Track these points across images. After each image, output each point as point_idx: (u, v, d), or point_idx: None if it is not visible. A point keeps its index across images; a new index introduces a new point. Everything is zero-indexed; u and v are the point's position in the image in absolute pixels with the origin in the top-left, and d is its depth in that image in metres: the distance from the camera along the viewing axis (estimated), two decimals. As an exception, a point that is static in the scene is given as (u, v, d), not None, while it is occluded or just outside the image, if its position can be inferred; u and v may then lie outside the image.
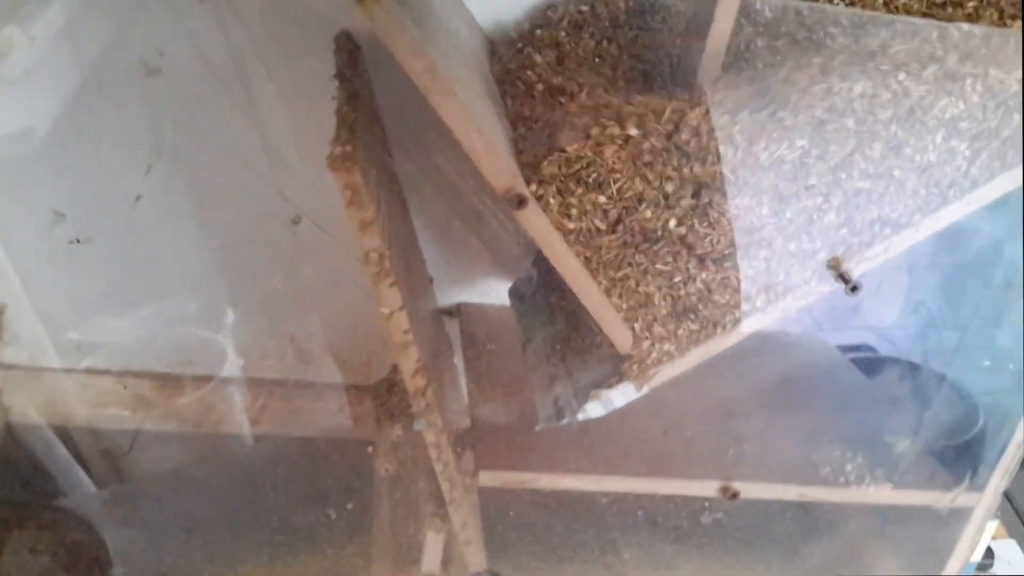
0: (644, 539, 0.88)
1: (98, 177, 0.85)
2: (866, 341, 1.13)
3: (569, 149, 0.64)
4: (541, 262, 0.85)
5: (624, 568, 0.87)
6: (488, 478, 0.77)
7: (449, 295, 0.97)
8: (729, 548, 0.89)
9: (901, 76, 0.62)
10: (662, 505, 0.89)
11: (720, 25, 0.66)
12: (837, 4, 0.73)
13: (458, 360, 0.92)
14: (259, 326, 0.94)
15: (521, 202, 0.65)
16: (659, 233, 0.67)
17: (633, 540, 0.88)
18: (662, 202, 0.66)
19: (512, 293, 0.90)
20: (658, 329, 0.70)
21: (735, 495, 0.79)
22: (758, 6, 0.71)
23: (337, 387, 0.97)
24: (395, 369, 0.97)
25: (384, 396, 0.96)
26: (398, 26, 0.58)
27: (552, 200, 0.65)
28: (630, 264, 0.68)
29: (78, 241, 0.85)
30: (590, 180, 0.65)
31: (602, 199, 0.66)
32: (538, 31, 0.77)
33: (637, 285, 0.69)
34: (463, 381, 0.90)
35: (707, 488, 0.79)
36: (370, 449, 0.85)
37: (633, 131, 0.63)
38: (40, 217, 0.87)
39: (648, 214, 0.66)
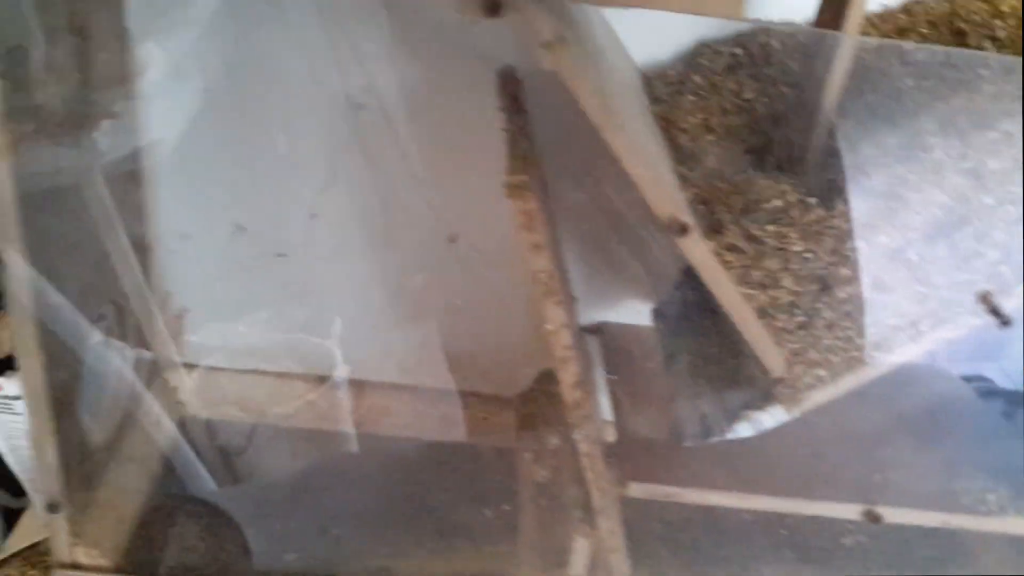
0: (785, 557, 0.91)
1: (277, 194, 0.93)
2: (981, 372, 1.12)
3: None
4: (687, 285, 0.88)
5: (764, 584, 0.90)
6: (637, 489, 0.81)
7: (591, 314, 1.01)
8: (868, 571, 0.91)
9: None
10: (805, 525, 0.92)
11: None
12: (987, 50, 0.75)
13: (599, 376, 0.96)
14: (414, 336, 1.01)
15: (683, 230, 0.69)
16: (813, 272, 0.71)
17: (774, 558, 0.90)
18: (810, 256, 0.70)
19: (655, 314, 0.94)
20: (812, 354, 0.73)
21: (878, 519, 0.81)
22: (908, 49, 0.74)
23: (481, 396, 1.03)
24: (538, 381, 1.03)
25: (526, 406, 1.02)
26: (581, 68, 0.63)
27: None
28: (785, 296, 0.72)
29: (278, 256, 0.93)
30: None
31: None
32: (695, 77, 0.81)
33: (792, 314, 0.72)
34: (605, 397, 0.94)
35: (851, 511, 0.81)
36: (527, 455, 0.90)
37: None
38: (222, 227, 0.96)
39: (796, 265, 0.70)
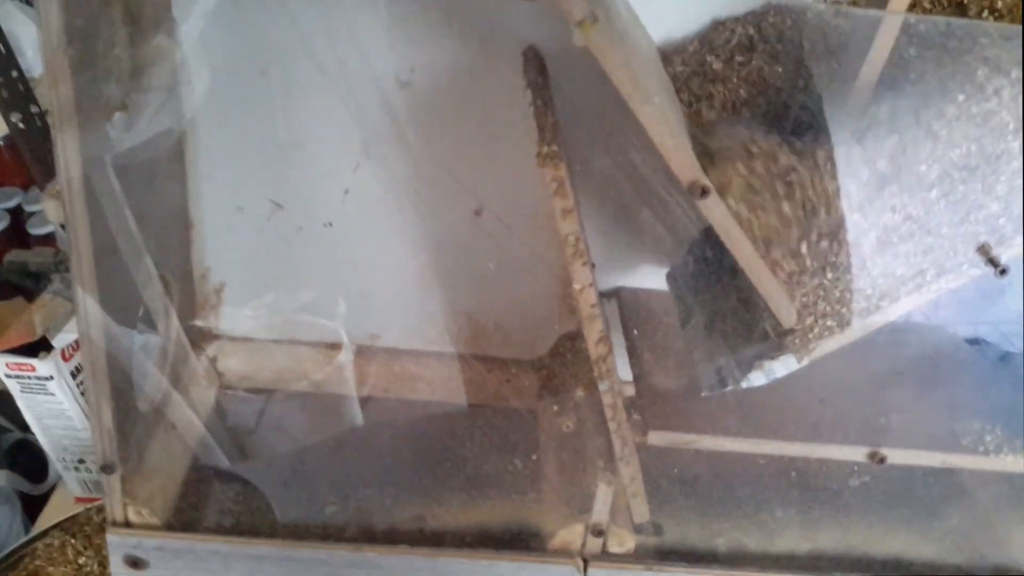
0: (795, 498, 0.97)
1: (313, 171, 0.98)
2: (983, 336, 1.18)
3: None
4: (701, 247, 0.94)
5: (775, 524, 0.96)
6: (656, 438, 0.87)
7: (607, 280, 1.07)
8: (873, 509, 0.97)
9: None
10: (814, 468, 0.98)
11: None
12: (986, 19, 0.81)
13: (616, 337, 1.01)
14: (441, 304, 1.06)
15: (704, 192, 0.74)
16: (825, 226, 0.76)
17: (785, 499, 0.97)
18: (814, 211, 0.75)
19: (669, 277, 0.99)
20: (822, 305, 0.78)
21: (882, 460, 0.87)
22: (913, 21, 0.80)
23: (505, 361, 1.09)
24: (557, 345, 1.09)
25: (547, 369, 1.08)
26: (610, 45, 0.68)
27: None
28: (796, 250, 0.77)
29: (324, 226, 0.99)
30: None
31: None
32: (709, 57, 0.86)
33: (803, 267, 0.78)
34: (622, 358, 1.00)
35: (857, 453, 0.87)
36: (555, 408, 0.96)
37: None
38: (260, 205, 1.02)
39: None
